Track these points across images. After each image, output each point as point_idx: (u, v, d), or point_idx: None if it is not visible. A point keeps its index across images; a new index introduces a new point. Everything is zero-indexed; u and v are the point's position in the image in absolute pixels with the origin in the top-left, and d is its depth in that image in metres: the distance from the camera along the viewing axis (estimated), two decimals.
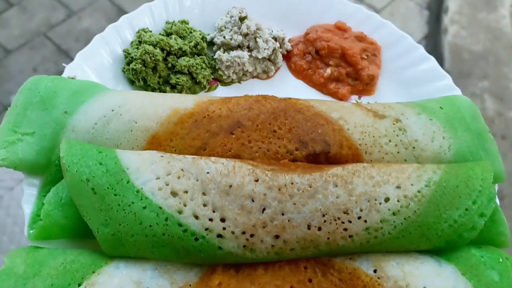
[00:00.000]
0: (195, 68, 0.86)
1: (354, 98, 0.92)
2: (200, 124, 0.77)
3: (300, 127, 0.78)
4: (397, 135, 0.80)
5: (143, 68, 0.84)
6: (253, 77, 0.92)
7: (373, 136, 0.79)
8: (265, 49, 0.88)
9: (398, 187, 0.71)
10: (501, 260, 0.71)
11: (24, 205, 0.72)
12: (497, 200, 0.79)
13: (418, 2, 2.77)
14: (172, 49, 0.86)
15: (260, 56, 0.88)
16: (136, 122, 0.76)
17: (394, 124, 0.80)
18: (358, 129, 0.79)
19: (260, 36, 0.89)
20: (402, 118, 0.81)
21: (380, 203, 0.70)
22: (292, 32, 0.97)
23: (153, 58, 0.83)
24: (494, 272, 0.69)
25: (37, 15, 2.64)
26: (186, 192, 0.68)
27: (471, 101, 0.86)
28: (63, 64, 0.83)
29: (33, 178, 0.73)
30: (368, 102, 0.92)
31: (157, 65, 0.85)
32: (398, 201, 0.70)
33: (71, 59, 2.34)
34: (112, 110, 0.77)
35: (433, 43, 2.62)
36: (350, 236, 0.69)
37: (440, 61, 2.23)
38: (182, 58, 0.86)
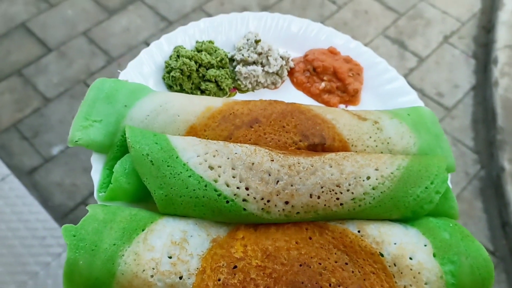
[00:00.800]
0: (220, 78, 1.08)
1: (342, 106, 1.16)
2: (227, 119, 0.98)
3: (303, 124, 1.00)
4: (376, 133, 1.02)
5: (181, 76, 1.05)
6: (264, 87, 1.14)
7: (358, 133, 1.01)
8: (274, 65, 1.11)
9: (377, 169, 0.93)
10: (451, 225, 0.92)
11: (93, 175, 0.91)
12: (450, 185, 1.02)
13: (463, 50, 2.63)
14: (203, 62, 1.07)
15: (270, 71, 1.11)
16: (178, 116, 0.97)
17: (373, 125, 1.03)
18: (346, 127, 1.01)
19: (271, 55, 1.12)
20: (380, 121, 1.04)
21: (364, 180, 0.91)
22: (295, 53, 1.20)
23: (189, 69, 1.05)
24: (446, 233, 0.90)
25: (76, 61, 2.50)
26: (219, 166, 0.88)
27: (431, 111, 1.10)
28: (118, 71, 1.04)
29: (99, 155, 0.94)
30: (354, 109, 1.15)
31: (191, 74, 1.06)
32: (376, 179, 0.91)
33: None
34: (160, 106, 0.97)
35: (481, 95, 2.47)
36: (341, 204, 0.89)
37: (492, 116, 2.31)
38: (211, 69, 1.08)
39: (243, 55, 1.11)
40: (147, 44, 2.32)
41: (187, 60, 1.04)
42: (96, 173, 0.91)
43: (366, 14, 2.75)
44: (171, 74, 1.04)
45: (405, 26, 2.74)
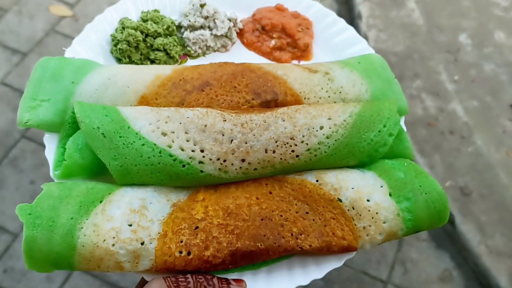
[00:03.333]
0: (168, 46, 1.06)
1: (294, 62, 1.15)
2: (177, 85, 0.97)
3: (254, 83, 0.99)
4: (327, 84, 1.02)
5: (128, 47, 1.03)
6: (215, 51, 1.12)
7: (309, 86, 1.00)
8: (222, 28, 1.09)
9: (329, 118, 0.93)
10: (405, 164, 0.93)
11: (47, 155, 0.90)
12: (403, 126, 1.03)
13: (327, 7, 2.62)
14: (149, 31, 1.05)
15: (218, 34, 1.09)
16: (128, 87, 0.95)
17: (324, 76, 1.02)
18: (298, 81, 1.01)
19: (218, 18, 1.09)
20: (330, 71, 1.03)
21: (317, 130, 0.91)
22: (243, 14, 1.17)
23: (135, 39, 1.02)
24: (401, 172, 0.92)
25: None
26: (172, 132, 0.87)
27: (381, 57, 1.09)
28: (63, 48, 1.01)
29: (52, 135, 0.92)
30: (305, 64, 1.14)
31: (139, 44, 1.04)
32: (329, 128, 0.92)
33: None
34: (109, 79, 0.95)
35: None
36: (297, 156, 0.90)
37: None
38: (158, 38, 1.06)
39: (189, 20, 1.09)
40: (4, 84, 2.19)
41: (133, 31, 1.01)
42: (51, 153, 0.89)
43: None
44: (118, 46, 1.02)
45: None
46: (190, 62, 1.11)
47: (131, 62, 1.05)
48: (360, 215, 0.86)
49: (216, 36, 1.10)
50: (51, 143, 0.90)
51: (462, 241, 2.06)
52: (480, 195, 2.10)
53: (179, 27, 1.12)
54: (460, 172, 2.12)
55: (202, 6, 1.09)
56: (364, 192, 0.88)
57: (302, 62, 1.14)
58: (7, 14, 2.55)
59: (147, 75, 0.96)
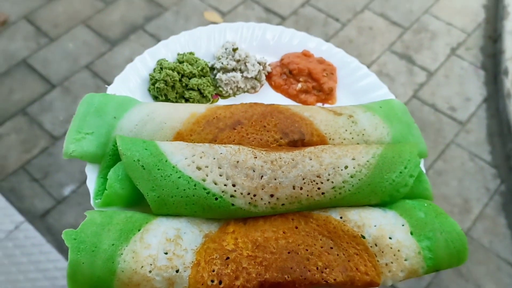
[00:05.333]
0: (202, 86, 1.14)
1: (319, 105, 1.22)
2: (211, 123, 1.03)
3: (282, 123, 1.05)
4: (351, 126, 1.08)
5: (165, 86, 1.11)
6: (244, 92, 1.20)
7: (334, 127, 1.07)
8: (252, 70, 1.17)
9: (353, 158, 0.98)
10: (425, 204, 0.97)
11: (88, 184, 0.96)
12: (423, 168, 1.08)
13: (472, 61, 2.58)
14: (185, 72, 1.13)
15: (249, 76, 1.17)
16: (165, 123, 1.01)
17: (348, 119, 1.09)
18: (323, 123, 1.07)
19: (249, 62, 1.18)
20: (354, 115, 1.10)
21: (342, 170, 0.96)
22: (271, 59, 1.25)
23: (172, 79, 1.10)
24: (421, 212, 0.96)
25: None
26: (207, 166, 0.93)
27: (401, 102, 1.16)
28: (106, 86, 1.10)
29: (93, 165, 0.98)
30: (329, 107, 1.21)
31: (175, 84, 1.12)
32: (354, 168, 0.97)
33: None
34: (147, 115, 1.02)
35: (494, 106, 2.43)
36: (323, 193, 0.95)
37: (508, 129, 2.25)
38: (193, 79, 1.14)
39: (222, 63, 1.17)
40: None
41: (170, 72, 1.09)
42: (91, 182, 0.95)
43: (371, 30, 2.72)
44: (156, 85, 1.10)
45: (411, 40, 2.70)
46: (221, 102, 1.18)
47: (167, 100, 1.12)
48: (382, 252, 0.90)
49: (246, 78, 1.17)
50: (92, 173, 0.97)
51: None
52: None
53: (212, 68, 1.20)
54: None
55: (234, 50, 1.17)
56: (386, 230, 0.92)
57: (326, 105, 1.21)
58: (166, 13, 2.77)
59: (183, 113, 1.03)
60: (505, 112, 2.32)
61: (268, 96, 1.20)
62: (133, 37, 2.68)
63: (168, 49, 1.20)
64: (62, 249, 1.97)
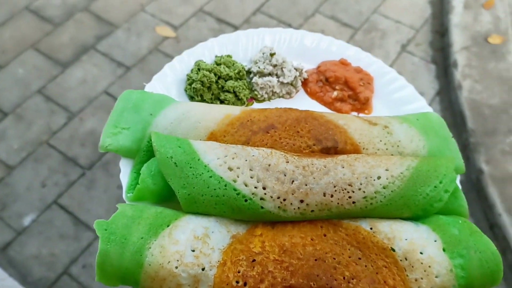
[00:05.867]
0: (238, 88, 1.15)
1: (353, 114, 1.20)
2: (245, 126, 1.04)
3: (316, 129, 1.05)
4: (386, 137, 1.06)
5: (201, 87, 1.12)
6: (279, 97, 1.20)
7: (369, 137, 1.05)
8: (288, 76, 1.17)
9: (387, 169, 0.97)
10: (460, 222, 0.95)
11: (122, 178, 0.98)
12: (459, 184, 1.05)
13: (422, 56, 2.67)
14: (222, 74, 1.14)
15: (285, 81, 1.17)
16: (200, 123, 1.03)
17: (383, 129, 1.07)
18: (358, 132, 1.06)
19: (285, 67, 1.18)
20: (389, 125, 1.08)
21: (374, 180, 0.95)
22: (308, 65, 1.25)
23: (209, 80, 1.12)
24: (455, 229, 0.93)
25: (35, 122, 2.30)
26: (238, 168, 0.93)
27: (439, 116, 1.14)
28: (144, 83, 1.12)
29: (127, 160, 1.00)
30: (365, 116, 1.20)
31: (211, 85, 1.13)
32: (387, 178, 0.95)
33: (80, 166, 2.18)
34: (183, 114, 1.03)
35: (447, 99, 2.49)
36: (353, 202, 0.93)
37: (462, 120, 2.32)
38: (229, 81, 1.15)
39: (259, 67, 1.17)
40: (107, 94, 2.41)
41: (207, 73, 1.11)
42: (125, 176, 0.97)
43: (323, 33, 2.67)
44: (193, 85, 1.11)
45: (363, 40, 2.75)
46: (256, 105, 1.18)
47: (202, 100, 1.13)
48: (412, 267, 0.88)
49: (282, 83, 1.17)
50: (126, 167, 0.98)
51: None
52: None
53: (249, 72, 1.21)
54: None
55: (272, 55, 1.18)
56: (418, 244, 0.90)
57: (361, 115, 1.19)
58: (117, 30, 2.76)
59: (217, 113, 1.04)
60: (457, 104, 2.38)
61: (303, 102, 1.20)
62: (85, 58, 2.65)
63: (207, 51, 1.22)
64: (26, 282, 1.93)
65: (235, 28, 2.79)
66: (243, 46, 1.26)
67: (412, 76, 2.57)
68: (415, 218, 0.97)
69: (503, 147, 2.24)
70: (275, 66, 1.17)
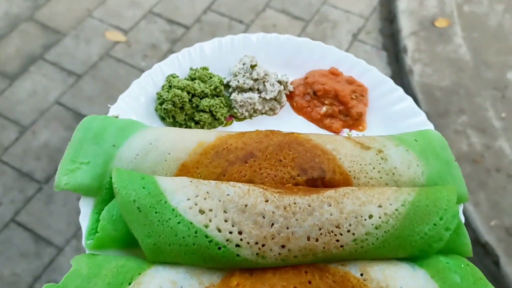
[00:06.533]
0: (214, 107, 1.02)
1: (345, 131, 1.08)
2: (220, 155, 0.92)
3: (301, 157, 0.93)
4: (380, 163, 0.95)
5: (173, 108, 1.00)
6: (262, 114, 1.08)
7: (360, 164, 0.94)
8: (271, 91, 1.04)
9: (380, 206, 0.85)
10: (462, 266, 0.85)
11: (81, 221, 0.87)
12: (462, 217, 0.94)
13: (373, 44, 2.71)
14: (196, 92, 1.01)
15: (267, 97, 1.04)
16: (169, 154, 0.91)
17: (377, 154, 0.95)
18: (348, 158, 0.94)
19: (268, 81, 1.05)
20: (384, 149, 0.96)
21: (365, 219, 0.84)
22: (294, 75, 1.12)
23: (181, 100, 0.99)
24: (457, 276, 0.83)
25: None
26: (211, 210, 0.83)
27: (440, 135, 1.01)
28: (108, 105, 0.99)
29: (88, 199, 0.89)
30: (358, 135, 1.08)
31: (184, 105, 1.01)
32: (379, 217, 0.84)
33: (36, 181, 2.07)
34: (150, 144, 0.92)
35: (399, 84, 2.34)
36: (341, 246, 0.83)
37: (416, 104, 2.31)
38: (204, 99, 1.02)
39: (238, 81, 1.04)
40: (59, 104, 2.31)
41: (179, 91, 0.98)
42: (85, 218, 0.86)
43: (275, 28, 2.79)
44: (163, 106, 0.99)
45: (314, 32, 2.77)
46: (235, 124, 1.06)
47: (175, 122, 1.01)
48: None
49: (264, 99, 1.05)
50: (86, 208, 0.88)
51: (507, 283, 1.97)
52: None
53: (228, 86, 1.08)
54: (506, 212, 2.02)
55: (252, 67, 1.05)
56: None
57: (354, 132, 1.07)
58: (65, 38, 2.70)
59: (189, 141, 0.92)
60: (410, 88, 2.44)
61: (289, 119, 1.08)
62: (33, 69, 2.56)
63: (179, 63, 1.08)
64: None
65: (186, 28, 2.75)
66: (221, 56, 1.12)
67: None
68: (412, 258, 0.86)
69: (455, 127, 2.29)
70: (256, 80, 1.04)
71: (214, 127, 1.04)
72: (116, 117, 0.98)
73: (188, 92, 1.01)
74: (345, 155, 0.93)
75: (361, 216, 0.83)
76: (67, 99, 2.44)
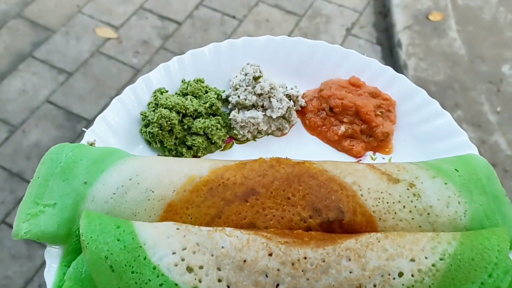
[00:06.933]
0: (210, 129, 0.86)
1: (369, 154, 0.91)
2: (215, 192, 0.77)
3: (314, 194, 0.77)
4: (411, 201, 0.78)
5: (160, 131, 0.84)
6: (268, 135, 0.91)
7: (387, 203, 0.77)
8: (279, 108, 0.87)
9: (412, 260, 0.69)
10: None
11: (46, 276, 0.73)
12: None
13: (367, 38, 2.71)
14: (188, 111, 0.85)
15: (274, 116, 0.87)
16: (152, 191, 0.76)
17: (408, 189, 0.78)
18: (372, 195, 0.77)
19: (274, 96, 0.88)
20: (417, 182, 0.79)
21: (394, 278, 0.68)
22: (306, 85, 0.95)
23: (169, 122, 0.83)
24: None
25: None
26: (201, 267, 0.68)
27: (487, 162, 0.83)
28: (83, 129, 0.84)
29: (55, 248, 0.75)
30: (383, 158, 0.90)
31: (174, 128, 0.84)
32: (412, 275, 0.68)
33: (27, 181, 2.00)
34: (130, 179, 0.77)
35: None
36: None
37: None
38: (198, 120, 0.86)
39: (239, 96, 0.88)
40: (49, 102, 2.26)
41: (166, 112, 0.82)
42: (51, 273, 0.72)
43: (268, 23, 2.79)
44: (148, 129, 0.83)
45: (308, 27, 2.79)
46: (236, 147, 0.91)
47: (163, 147, 0.86)
48: None
49: (270, 118, 0.88)
50: (53, 259, 0.73)
51: None
52: None
53: (227, 100, 0.92)
54: None
55: (256, 79, 0.88)
56: None
57: (379, 156, 0.89)
58: (55, 35, 2.67)
59: (177, 175, 0.77)
60: None
61: (300, 139, 0.92)
62: (23, 67, 2.51)
63: (169, 75, 0.92)
64: None
65: (178, 24, 2.73)
66: (219, 64, 0.95)
67: None
68: None
69: None
70: (260, 95, 0.87)
71: (211, 151, 0.89)
72: (92, 144, 0.82)
73: (178, 112, 0.85)
74: (369, 190, 0.77)
75: (389, 274, 0.69)
76: (58, 98, 2.38)
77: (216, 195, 0.77)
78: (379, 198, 0.77)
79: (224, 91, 0.93)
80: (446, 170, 0.81)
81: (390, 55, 2.66)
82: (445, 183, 0.79)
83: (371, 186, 0.78)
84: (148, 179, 0.77)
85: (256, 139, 0.91)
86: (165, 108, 0.84)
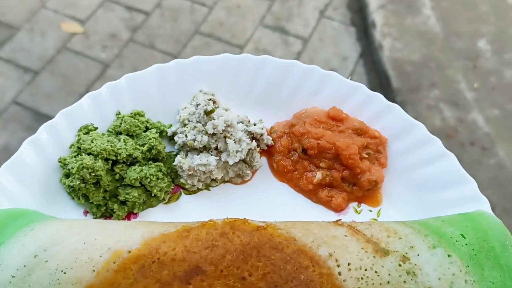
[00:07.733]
0: (148, 180, 0.68)
1: (352, 206, 0.73)
2: (148, 272, 0.61)
3: (277, 272, 0.61)
4: (404, 281, 0.61)
5: (82, 185, 0.66)
6: (225, 182, 0.74)
7: (373, 284, 0.61)
8: (237, 151, 0.70)
9: None
10: None
11: None
12: None
13: (341, 20, 2.71)
14: (119, 157, 0.68)
15: (231, 162, 0.70)
16: (64, 273, 0.60)
17: (400, 265, 0.62)
18: (353, 273, 0.61)
19: (231, 135, 0.70)
20: (412, 255, 0.62)
21: None
22: (275, 116, 0.78)
23: (93, 174, 0.66)
24: None
25: None
26: None
27: (501, 223, 0.66)
28: None
29: None
30: (370, 210, 0.73)
31: (100, 180, 0.67)
32: None
33: None
34: (35, 257, 0.60)
35: (371, 61, 2.58)
36: None
37: (386, 80, 2.41)
38: (133, 168, 0.68)
39: (186, 136, 0.70)
40: (16, 103, 2.19)
41: (90, 160, 0.65)
42: None
43: (239, 9, 2.75)
44: (67, 182, 0.65)
45: (280, 11, 2.75)
46: (184, 199, 0.74)
47: (90, 203, 0.68)
48: None
49: (226, 163, 0.70)
50: None
51: None
52: (503, 210, 1.95)
53: (173, 138, 0.74)
54: (482, 186, 1.90)
55: (208, 113, 0.70)
56: None
57: (364, 207, 0.72)
58: (19, 33, 2.59)
59: (98, 250, 0.62)
60: (380, 64, 2.47)
61: (266, 187, 0.77)
62: None
63: (100, 107, 0.74)
64: None
65: (147, 14, 2.65)
66: (164, 92, 0.77)
67: (334, 42, 2.65)
68: None
69: (428, 102, 2.33)
70: (213, 135, 0.69)
71: (151, 206, 0.72)
72: None
73: (107, 159, 0.66)
74: (349, 266, 0.63)
75: None
76: (25, 98, 2.29)
77: (149, 275, 0.61)
78: (361, 278, 0.61)
79: (170, 126, 0.75)
80: (450, 236, 0.65)
81: (365, 37, 2.65)
82: (449, 256, 0.63)
83: (352, 261, 0.62)
84: (59, 255, 0.60)
85: (210, 188, 0.73)
86: (89, 154, 0.66)
